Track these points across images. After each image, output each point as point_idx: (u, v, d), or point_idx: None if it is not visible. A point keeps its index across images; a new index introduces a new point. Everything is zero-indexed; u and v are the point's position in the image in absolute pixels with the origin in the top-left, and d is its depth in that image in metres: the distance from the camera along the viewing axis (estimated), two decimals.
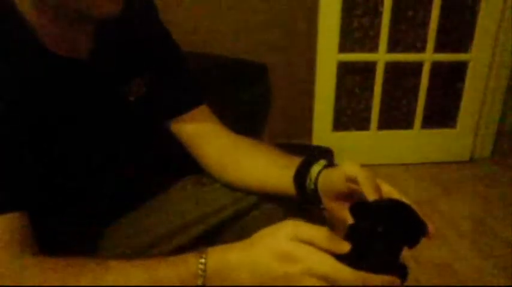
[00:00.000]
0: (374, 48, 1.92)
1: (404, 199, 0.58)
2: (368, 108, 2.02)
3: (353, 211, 0.58)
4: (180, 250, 0.74)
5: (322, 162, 0.70)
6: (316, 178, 0.69)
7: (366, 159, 2.01)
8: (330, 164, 0.70)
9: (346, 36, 1.91)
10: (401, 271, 0.51)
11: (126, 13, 0.60)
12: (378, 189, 0.59)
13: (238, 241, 0.55)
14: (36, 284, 0.53)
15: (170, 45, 0.82)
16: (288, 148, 0.81)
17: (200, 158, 0.83)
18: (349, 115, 2.06)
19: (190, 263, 0.53)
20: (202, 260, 0.53)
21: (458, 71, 2.01)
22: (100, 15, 0.58)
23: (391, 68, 1.97)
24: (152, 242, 0.76)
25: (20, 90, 0.57)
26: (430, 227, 0.56)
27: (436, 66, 1.96)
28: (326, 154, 1.77)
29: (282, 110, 1.90)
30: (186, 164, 0.85)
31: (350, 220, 0.59)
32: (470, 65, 1.97)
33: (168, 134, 0.82)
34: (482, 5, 1.87)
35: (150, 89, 0.76)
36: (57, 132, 0.62)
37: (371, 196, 0.58)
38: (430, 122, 2.07)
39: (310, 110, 1.97)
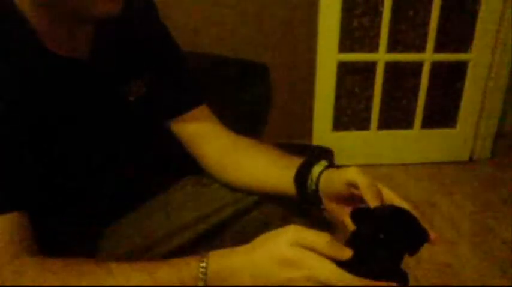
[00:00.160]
0: (374, 48, 1.92)
1: (405, 205, 0.59)
2: (368, 108, 2.02)
3: (354, 216, 0.58)
4: (180, 250, 0.74)
5: (324, 163, 0.70)
6: (318, 179, 0.69)
7: (365, 159, 2.01)
8: (331, 164, 0.70)
9: (346, 36, 1.91)
10: (402, 278, 0.51)
11: (126, 13, 0.60)
12: (379, 195, 0.59)
13: (239, 241, 0.55)
14: (36, 285, 0.53)
15: (170, 45, 0.82)
16: (288, 148, 0.81)
17: (200, 158, 0.83)
18: (349, 115, 2.06)
19: (192, 267, 0.53)
20: (204, 264, 0.53)
21: (458, 71, 2.01)
22: (100, 15, 0.57)
23: (391, 68, 1.97)
24: (152, 242, 0.76)
25: (20, 90, 0.57)
26: (432, 234, 0.56)
27: (436, 66, 1.96)
28: (326, 154, 1.77)
29: (282, 110, 1.90)
30: (186, 164, 0.85)
31: (350, 223, 0.59)
32: (470, 65, 1.97)
33: (168, 134, 0.82)
34: (482, 5, 1.87)
35: (150, 89, 0.76)
36: (57, 133, 0.62)
37: (372, 203, 0.58)
38: (430, 122, 2.06)
39: (310, 110, 1.97)
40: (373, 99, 1.98)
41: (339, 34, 1.85)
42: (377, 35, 1.89)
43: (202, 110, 0.83)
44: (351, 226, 0.59)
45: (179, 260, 0.55)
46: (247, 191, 0.79)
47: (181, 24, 1.35)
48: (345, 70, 1.96)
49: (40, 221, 0.58)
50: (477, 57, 1.95)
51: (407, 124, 2.07)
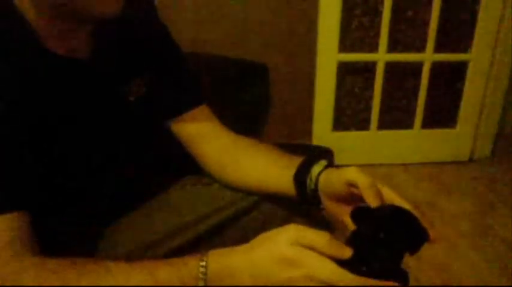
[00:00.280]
0: (374, 48, 1.92)
1: (405, 204, 0.59)
2: (368, 108, 2.02)
3: (354, 216, 0.58)
4: (180, 250, 0.74)
5: (323, 162, 0.70)
6: (317, 178, 0.69)
7: (365, 159, 2.01)
8: (331, 164, 0.70)
9: (346, 36, 1.91)
10: (402, 277, 0.51)
11: (126, 13, 0.60)
12: (379, 195, 0.59)
13: (239, 241, 0.55)
14: (36, 285, 0.53)
15: (170, 45, 0.82)
16: (288, 148, 0.80)
17: (200, 158, 0.83)
18: (349, 115, 2.06)
19: (191, 266, 0.53)
20: (203, 263, 0.53)
21: (458, 71, 2.01)
22: (100, 15, 0.58)
23: (391, 68, 1.96)
24: (152, 242, 0.76)
25: (20, 90, 0.57)
26: (433, 233, 0.56)
27: (436, 66, 1.96)
28: (326, 154, 1.77)
29: (282, 110, 1.90)
30: (186, 164, 0.85)
31: (350, 223, 0.59)
32: (470, 65, 1.97)
33: (168, 134, 0.82)
34: (482, 5, 1.86)
35: (150, 89, 0.76)
36: (57, 133, 0.62)
37: (372, 202, 0.58)
38: (430, 122, 2.06)
39: (310, 110, 1.97)
40: (373, 99, 1.98)
41: (339, 34, 1.84)
42: (377, 35, 1.89)
43: (202, 110, 0.83)
44: (351, 225, 0.59)
45: (179, 260, 0.55)
46: (247, 191, 0.79)
47: (181, 24, 1.35)
48: (345, 70, 1.96)
49: (40, 221, 0.58)
50: (477, 57, 1.95)
51: (407, 124, 2.06)
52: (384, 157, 2.05)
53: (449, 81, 2.04)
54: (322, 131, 2.00)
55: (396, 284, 0.50)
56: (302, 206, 0.75)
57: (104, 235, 0.77)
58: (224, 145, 0.82)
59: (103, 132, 0.70)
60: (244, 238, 0.55)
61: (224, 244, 0.56)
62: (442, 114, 2.09)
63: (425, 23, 1.89)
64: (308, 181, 0.70)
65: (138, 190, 0.82)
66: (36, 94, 0.58)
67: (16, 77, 0.56)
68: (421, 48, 1.94)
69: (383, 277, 0.49)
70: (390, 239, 0.52)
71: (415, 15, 1.92)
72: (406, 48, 1.96)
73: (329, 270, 0.48)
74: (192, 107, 0.81)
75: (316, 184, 0.69)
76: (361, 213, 0.58)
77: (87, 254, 0.64)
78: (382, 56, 1.91)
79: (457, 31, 1.96)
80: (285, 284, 0.49)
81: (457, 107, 2.05)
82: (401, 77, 2.02)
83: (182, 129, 0.82)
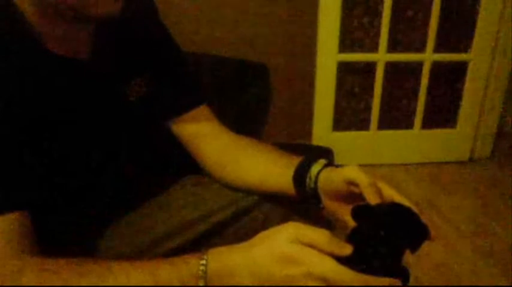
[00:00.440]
0: (374, 48, 1.92)
1: (405, 201, 0.59)
2: (368, 108, 2.02)
3: (355, 214, 0.58)
4: (180, 250, 0.74)
5: (322, 161, 0.71)
6: (316, 177, 0.69)
7: (366, 159, 2.01)
8: (330, 163, 0.70)
9: (346, 36, 1.91)
10: (403, 274, 0.51)
11: (126, 13, 0.60)
12: (378, 193, 0.59)
13: (238, 240, 0.55)
14: (36, 285, 0.53)
15: (170, 45, 0.82)
16: (288, 148, 0.81)
17: (200, 158, 0.83)
18: (349, 115, 2.06)
19: (191, 265, 0.53)
20: (204, 262, 0.53)
21: (458, 71, 2.01)
22: (100, 15, 0.58)
23: (391, 68, 1.97)
24: (152, 242, 0.76)
25: (20, 90, 0.57)
26: (431, 231, 0.56)
27: (436, 66, 1.96)
28: (326, 154, 1.77)
29: (282, 110, 1.90)
30: (186, 164, 0.85)
31: (350, 221, 0.59)
32: (470, 65, 1.97)
33: (168, 134, 0.82)
34: (482, 5, 1.87)
35: (151, 89, 0.76)
36: (57, 132, 0.62)
37: (372, 200, 0.58)
38: (430, 122, 2.06)
39: (310, 110, 1.97)
40: (373, 99, 1.98)
41: (339, 34, 1.85)
42: (377, 35, 1.89)
43: (203, 110, 0.83)
44: (351, 224, 0.59)
45: (179, 259, 0.54)
46: (247, 191, 0.79)
47: (181, 24, 1.35)
48: (345, 70, 1.96)
49: (40, 221, 0.58)
50: (477, 57, 1.95)
51: (407, 124, 2.06)
52: (384, 157, 2.05)
53: (449, 81, 2.04)
54: (322, 131, 2.00)
55: (396, 281, 0.50)
56: (302, 205, 0.75)
57: (104, 235, 0.77)
58: (224, 145, 0.82)
59: (103, 133, 0.70)
60: (244, 238, 0.55)
61: (224, 244, 0.56)
62: (442, 114, 2.09)
63: (425, 23, 1.89)
64: (307, 180, 0.70)
65: (138, 190, 0.82)
66: (37, 94, 0.58)
67: (16, 77, 0.56)
68: (421, 48, 1.94)
69: (383, 274, 0.49)
70: (390, 236, 0.52)
71: (415, 15, 1.92)
72: (406, 48, 1.96)
73: (329, 267, 0.48)
74: (192, 108, 0.81)
75: (315, 183, 0.69)
76: (361, 211, 0.58)
77: (87, 254, 0.64)
78: (382, 56, 1.91)
79: (457, 31, 1.96)
80: (284, 282, 0.49)
81: (457, 107, 2.05)
82: (401, 77, 2.02)
83: (182, 129, 0.82)
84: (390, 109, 2.06)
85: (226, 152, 0.81)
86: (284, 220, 0.72)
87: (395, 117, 2.08)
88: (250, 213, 0.79)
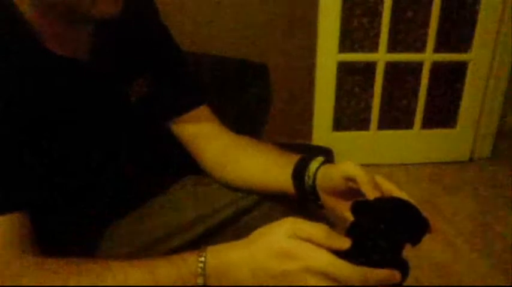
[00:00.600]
0: (374, 48, 1.92)
1: (404, 196, 0.58)
2: (368, 108, 2.02)
3: (354, 209, 0.58)
4: (180, 250, 0.74)
5: (320, 159, 0.71)
6: (315, 175, 0.69)
7: (366, 159, 2.00)
8: (328, 160, 0.70)
9: (346, 36, 1.91)
10: (402, 267, 0.50)
11: (126, 13, 0.60)
12: (377, 187, 0.59)
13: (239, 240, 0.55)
14: (36, 285, 0.53)
15: (170, 45, 0.82)
16: (288, 148, 0.81)
17: (200, 158, 0.83)
18: (349, 115, 2.06)
19: (190, 262, 0.53)
20: (202, 259, 0.53)
21: (458, 71, 2.01)
22: (99, 15, 0.58)
23: (391, 68, 1.97)
24: (152, 242, 0.76)
25: (20, 90, 0.57)
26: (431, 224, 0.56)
27: (436, 66, 1.96)
28: (326, 154, 1.77)
29: (282, 110, 1.90)
30: (186, 164, 0.85)
31: (350, 218, 0.59)
32: (470, 65, 1.97)
33: (168, 134, 0.82)
34: (482, 5, 1.87)
35: (151, 89, 0.76)
36: (57, 132, 0.62)
37: (371, 195, 0.58)
38: (430, 122, 2.06)
39: (310, 110, 1.97)
40: (373, 99, 1.98)
41: (339, 34, 1.85)
42: (377, 35, 1.89)
43: (203, 111, 0.83)
44: (351, 218, 0.59)
45: (178, 256, 0.54)
46: (247, 191, 0.79)
47: (181, 24, 1.35)
48: (345, 70, 1.96)
49: (40, 221, 0.58)
50: (477, 57, 1.95)
51: (407, 124, 2.07)
52: (384, 157, 2.05)
53: (449, 81, 2.04)
54: (322, 131, 2.00)
55: (396, 273, 0.49)
56: (302, 204, 0.75)
57: (104, 235, 0.77)
58: (224, 145, 0.82)
59: (103, 133, 0.70)
60: (244, 237, 0.55)
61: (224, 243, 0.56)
62: (442, 114, 2.09)
63: (425, 23, 1.89)
64: (306, 177, 0.70)
65: (138, 190, 0.82)
66: (37, 94, 0.58)
67: (16, 77, 0.56)
68: (421, 48, 1.94)
69: (382, 267, 0.49)
70: (390, 229, 0.51)
71: (415, 15, 1.92)
72: (406, 48, 1.96)
73: (327, 262, 0.48)
74: (192, 108, 0.81)
75: (314, 180, 0.69)
76: (360, 206, 0.57)
77: (87, 254, 0.64)
78: (382, 56, 1.91)
79: (457, 31, 1.96)
80: (283, 277, 0.49)
81: (457, 107, 2.05)
82: (401, 77, 2.02)
83: (182, 129, 0.82)
84: (390, 109, 2.06)
85: (227, 152, 0.81)
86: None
87: (395, 117, 2.08)
88: (250, 213, 0.79)
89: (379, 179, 0.61)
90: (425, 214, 0.56)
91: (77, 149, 0.66)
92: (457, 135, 2.09)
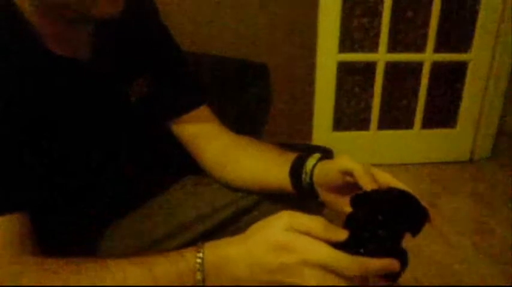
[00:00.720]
0: (374, 48, 1.92)
1: (402, 186, 0.58)
2: (368, 108, 2.02)
3: (353, 202, 0.57)
4: None
5: (317, 155, 0.71)
6: (312, 171, 0.69)
7: (366, 159, 1.99)
8: (325, 157, 0.70)
9: (346, 36, 1.91)
10: (401, 257, 0.50)
11: (127, 13, 0.60)
12: (374, 179, 0.59)
13: None
14: (36, 285, 0.53)
15: (171, 46, 0.82)
16: (288, 148, 0.81)
17: (200, 158, 0.83)
18: (349, 115, 2.06)
19: (188, 258, 0.53)
20: (200, 255, 0.53)
21: (458, 71, 2.01)
22: (100, 16, 0.57)
23: (391, 68, 1.97)
24: (152, 243, 0.76)
25: (20, 90, 0.57)
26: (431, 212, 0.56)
27: (436, 66, 1.96)
28: (326, 154, 1.77)
29: (282, 110, 1.90)
30: (186, 164, 0.85)
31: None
32: (470, 65, 1.97)
33: (168, 134, 0.82)
34: (482, 5, 1.87)
35: (152, 89, 0.76)
36: (57, 132, 0.62)
37: (369, 187, 0.58)
38: (430, 122, 2.06)
39: (310, 110, 1.97)
40: (373, 99, 1.98)
41: (339, 34, 1.85)
42: (377, 35, 1.89)
43: (203, 111, 0.83)
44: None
45: (176, 253, 0.54)
46: (247, 190, 0.79)
47: (181, 24, 1.35)
48: (345, 70, 1.96)
49: (40, 221, 0.58)
50: (477, 57, 1.95)
51: (407, 124, 2.07)
52: (384, 157, 2.05)
53: (449, 81, 2.04)
54: (322, 131, 2.00)
55: (395, 261, 0.49)
56: (301, 203, 0.75)
57: (104, 235, 0.77)
58: (224, 145, 0.82)
59: (104, 133, 0.70)
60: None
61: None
62: (442, 114, 2.09)
63: (425, 23, 1.89)
64: (303, 175, 0.70)
65: (138, 190, 0.82)
66: (37, 94, 0.58)
67: (16, 77, 0.56)
68: (421, 48, 1.94)
69: (381, 257, 0.48)
70: (388, 219, 0.51)
71: (415, 15, 1.92)
72: (406, 48, 1.96)
73: (324, 253, 0.48)
74: (192, 108, 0.81)
75: (311, 177, 0.69)
76: (359, 199, 0.57)
77: (88, 254, 0.64)
78: (382, 56, 1.91)
79: (457, 31, 1.96)
80: (281, 271, 0.49)
81: (457, 107, 2.05)
82: (401, 77, 2.02)
83: (183, 130, 0.82)
84: (390, 109, 2.06)
85: (227, 152, 0.81)
86: None
87: (395, 117, 2.08)
88: (250, 213, 0.79)
89: (376, 171, 0.61)
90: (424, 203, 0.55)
91: (77, 149, 0.66)
92: (457, 135, 2.09)
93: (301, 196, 0.72)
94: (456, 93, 2.04)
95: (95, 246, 0.75)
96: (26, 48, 0.58)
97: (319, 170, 0.68)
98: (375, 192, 0.57)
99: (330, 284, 0.48)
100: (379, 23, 1.87)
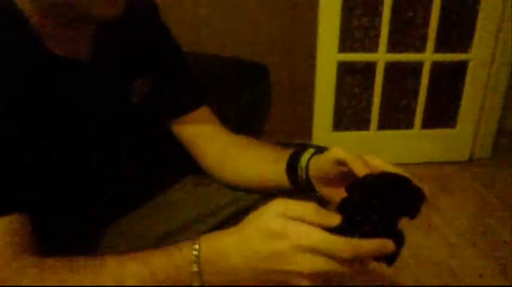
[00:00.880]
0: (374, 48, 1.92)
1: (395, 169, 0.58)
2: (368, 108, 2.02)
3: (348, 189, 0.57)
4: None
5: (311, 150, 0.71)
6: (307, 166, 0.69)
7: None
8: (319, 151, 0.71)
9: (346, 36, 1.91)
10: (396, 237, 0.49)
11: (127, 14, 0.60)
12: (367, 165, 0.59)
13: None
14: (35, 285, 0.53)
15: (171, 46, 0.82)
16: (286, 147, 0.81)
17: (200, 158, 0.83)
18: (349, 115, 2.06)
19: (185, 251, 0.53)
20: (196, 246, 0.53)
21: (458, 71, 2.01)
22: (100, 17, 0.57)
23: (391, 68, 1.97)
24: (152, 243, 0.76)
25: (20, 90, 0.57)
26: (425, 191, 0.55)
27: (436, 66, 1.96)
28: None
29: (282, 110, 1.90)
30: (186, 164, 0.85)
31: None
32: (470, 65, 1.97)
33: (168, 134, 0.83)
34: (482, 5, 1.87)
35: (152, 90, 0.76)
36: (57, 132, 0.62)
37: (361, 171, 0.57)
38: (430, 122, 2.07)
39: (310, 110, 1.97)
40: (373, 99, 1.99)
41: (339, 34, 1.85)
42: (377, 35, 1.89)
43: (203, 111, 0.83)
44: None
45: (173, 247, 0.54)
46: (247, 190, 0.79)
47: (181, 24, 1.35)
48: (345, 70, 1.96)
49: (40, 221, 0.58)
50: (477, 57, 1.95)
51: (407, 124, 2.07)
52: (384, 157, 2.04)
53: (449, 81, 2.05)
54: (322, 131, 2.00)
55: (389, 241, 0.48)
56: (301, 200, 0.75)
57: (104, 235, 0.77)
58: (224, 145, 0.82)
59: (104, 133, 0.70)
60: None
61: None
62: (442, 114, 2.09)
63: (425, 23, 1.89)
64: (299, 170, 0.70)
65: (138, 190, 0.82)
66: (37, 94, 0.58)
67: (17, 77, 0.56)
68: (421, 48, 1.94)
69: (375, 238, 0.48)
70: (381, 201, 0.50)
71: (415, 15, 1.92)
72: (406, 48, 1.96)
73: (316, 237, 0.47)
74: (193, 109, 0.82)
75: (307, 172, 0.69)
76: (354, 185, 0.56)
77: (87, 254, 0.64)
78: (382, 56, 1.91)
79: (457, 31, 1.96)
80: (275, 258, 0.48)
81: (457, 107, 2.05)
82: (401, 77, 2.02)
83: (183, 130, 0.82)
84: (390, 109, 2.06)
85: (226, 152, 0.81)
86: None
87: (395, 117, 2.08)
88: (250, 213, 0.79)
89: (368, 157, 0.61)
90: (420, 184, 0.55)
91: (77, 149, 0.66)
92: (457, 135, 2.09)
93: (300, 192, 0.72)
94: (456, 93, 2.04)
95: (95, 246, 0.75)
96: (26, 48, 0.58)
97: (314, 164, 0.69)
98: (368, 177, 0.57)
99: (325, 269, 0.47)
100: (379, 23, 1.87)
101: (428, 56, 1.92)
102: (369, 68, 1.96)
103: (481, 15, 1.88)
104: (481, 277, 1.40)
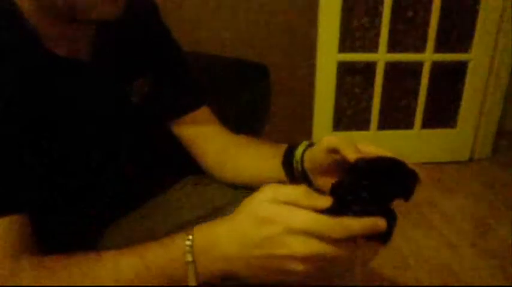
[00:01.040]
0: (374, 48, 1.92)
1: (387, 153, 0.58)
2: (368, 108, 2.02)
3: (341, 174, 0.57)
4: None
5: (305, 143, 0.71)
6: (302, 159, 0.69)
7: None
8: (313, 144, 0.71)
9: (346, 36, 1.91)
10: (388, 216, 0.49)
11: (127, 14, 0.60)
12: (359, 151, 0.58)
13: None
14: (36, 285, 0.53)
15: (171, 46, 0.82)
16: None
17: (200, 158, 0.83)
18: (349, 115, 2.06)
19: (178, 241, 0.53)
20: (190, 237, 0.52)
21: (458, 71, 2.01)
22: (100, 17, 0.57)
23: (391, 68, 1.97)
24: None
25: (20, 90, 0.57)
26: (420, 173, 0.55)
27: (436, 66, 1.96)
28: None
29: (282, 110, 1.90)
30: (186, 164, 0.85)
31: None
32: (470, 65, 1.97)
33: (168, 134, 0.83)
34: (482, 5, 1.87)
35: (152, 90, 0.76)
36: (57, 132, 0.62)
37: (353, 156, 0.57)
38: (430, 122, 2.07)
39: (310, 110, 1.97)
40: (373, 99, 1.99)
41: (339, 34, 1.85)
42: (377, 35, 1.89)
43: (203, 112, 0.83)
44: None
45: (167, 238, 0.54)
46: (246, 188, 0.79)
47: (181, 24, 1.35)
48: (345, 70, 1.96)
49: (40, 221, 0.58)
50: (477, 57, 1.95)
51: (407, 124, 2.07)
52: None
53: (449, 81, 2.05)
54: (322, 131, 2.00)
55: (381, 219, 0.48)
56: None
57: (104, 235, 0.77)
58: (224, 145, 0.82)
59: (104, 133, 0.70)
60: None
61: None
62: (442, 114, 2.09)
63: (425, 23, 1.89)
64: (294, 163, 0.70)
65: (138, 190, 0.82)
66: (37, 94, 0.58)
67: (17, 77, 0.56)
68: (421, 48, 1.94)
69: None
70: (371, 182, 0.50)
71: (415, 15, 1.92)
72: (406, 48, 1.96)
73: (306, 219, 0.47)
74: (193, 109, 0.82)
75: (302, 165, 0.69)
76: (347, 169, 0.56)
77: None
78: (382, 56, 1.91)
79: (457, 31, 1.96)
80: (267, 243, 0.48)
81: (457, 107, 2.05)
82: (401, 77, 2.02)
83: (183, 130, 0.82)
84: (390, 109, 2.06)
85: (226, 151, 0.81)
86: None
87: (395, 117, 2.08)
88: None
89: (360, 144, 0.60)
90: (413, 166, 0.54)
91: (77, 149, 0.66)
92: (457, 135, 2.09)
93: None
94: (456, 93, 2.04)
95: (95, 246, 0.75)
96: (26, 48, 0.58)
97: (308, 156, 0.69)
98: (360, 160, 0.56)
99: (318, 251, 0.47)
100: (379, 23, 1.87)
101: (428, 56, 1.92)
102: (369, 68, 1.96)
103: (481, 16, 1.88)
104: (481, 277, 1.40)
